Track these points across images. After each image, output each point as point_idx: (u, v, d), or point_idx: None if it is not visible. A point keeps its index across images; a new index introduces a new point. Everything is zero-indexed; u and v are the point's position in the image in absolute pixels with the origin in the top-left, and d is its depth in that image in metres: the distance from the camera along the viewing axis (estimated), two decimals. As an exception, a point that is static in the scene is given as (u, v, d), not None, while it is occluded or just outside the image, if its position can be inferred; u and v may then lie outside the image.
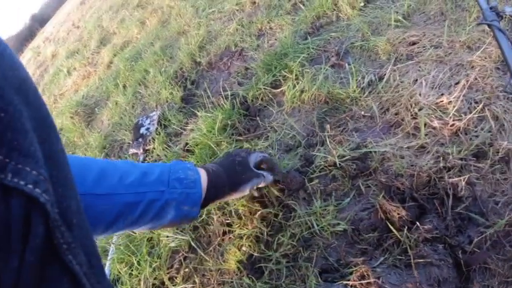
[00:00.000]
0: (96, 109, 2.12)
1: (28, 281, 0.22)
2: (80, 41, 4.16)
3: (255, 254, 0.74)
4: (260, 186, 0.70)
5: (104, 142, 1.68)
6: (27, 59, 6.96)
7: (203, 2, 2.12)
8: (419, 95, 0.83)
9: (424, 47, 0.97)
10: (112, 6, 4.14)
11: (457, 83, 0.83)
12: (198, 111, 1.24)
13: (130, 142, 1.47)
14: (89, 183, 0.48)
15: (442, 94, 0.81)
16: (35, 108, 0.25)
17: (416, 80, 0.89)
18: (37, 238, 0.22)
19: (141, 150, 1.35)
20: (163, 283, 0.86)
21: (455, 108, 0.75)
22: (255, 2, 1.70)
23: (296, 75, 1.05)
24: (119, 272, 0.94)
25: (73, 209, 0.27)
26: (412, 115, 0.80)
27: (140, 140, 1.39)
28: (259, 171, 0.69)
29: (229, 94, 1.19)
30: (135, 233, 0.98)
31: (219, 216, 0.86)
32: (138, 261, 0.91)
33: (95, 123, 2.02)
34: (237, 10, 1.74)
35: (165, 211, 0.55)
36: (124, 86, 2.00)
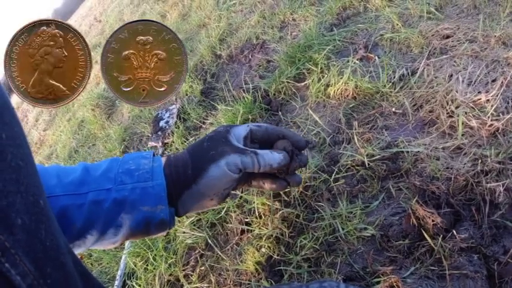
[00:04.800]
0: (116, 102, 2.14)
1: None
2: (101, 34, 4.23)
3: (275, 256, 0.71)
4: (256, 170, 0.46)
5: (123, 134, 1.69)
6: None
7: (224, -6, 2.09)
8: (456, 91, 0.77)
9: (458, 40, 0.90)
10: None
11: (493, 80, 0.76)
12: (218, 104, 1.21)
13: (150, 135, 1.46)
14: None
15: (480, 92, 0.75)
16: None
17: (452, 75, 0.82)
18: None
19: (160, 144, 1.34)
20: (178, 280, 0.84)
21: (494, 107, 0.69)
22: (277, -7, 1.65)
23: (321, 68, 1.00)
24: (134, 266, 0.93)
25: (18, 207, 0.22)
26: (448, 113, 0.74)
27: (159, 133, 1.38)
28: (248, 149, 0.47)
29: (251, 87, 1.15)
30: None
31: (238, 214, 0.83)
32: (153, 256, 0.90)
33: (115, 115, 2.03)
34: (259, 2, 1.69)
35: (117, 216, 0.42)
36: (144, 79, 2.00)
